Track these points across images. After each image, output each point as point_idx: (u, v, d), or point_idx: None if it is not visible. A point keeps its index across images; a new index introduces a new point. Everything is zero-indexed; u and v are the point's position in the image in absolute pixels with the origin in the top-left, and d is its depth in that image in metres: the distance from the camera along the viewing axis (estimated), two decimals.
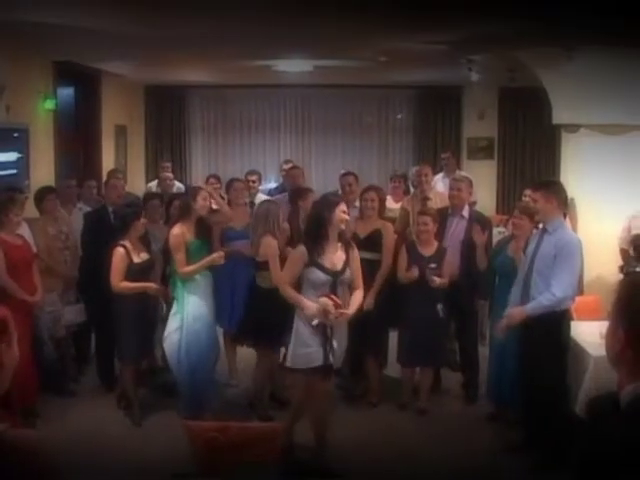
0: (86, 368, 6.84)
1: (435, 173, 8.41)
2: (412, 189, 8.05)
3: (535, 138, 11.49)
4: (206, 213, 5.77)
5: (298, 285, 4.75)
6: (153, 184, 9.89)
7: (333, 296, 4.64)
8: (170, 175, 9.45)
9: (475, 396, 6.21)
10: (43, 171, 8.18)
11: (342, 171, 7.78)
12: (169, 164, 10.23)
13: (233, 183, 6.84)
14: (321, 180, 11.67)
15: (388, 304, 5.89)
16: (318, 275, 4.67)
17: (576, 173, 7.28)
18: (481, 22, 6.07)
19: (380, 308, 5.81)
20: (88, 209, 7.03)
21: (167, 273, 5.92)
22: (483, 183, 10.50)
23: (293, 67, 9.29)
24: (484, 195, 10.25)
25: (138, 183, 11.44)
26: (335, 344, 4.79)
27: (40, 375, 5.73)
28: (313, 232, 4.76)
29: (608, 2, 5.08)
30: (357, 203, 6.23)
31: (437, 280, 5.78)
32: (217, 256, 5.57)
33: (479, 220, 6.21)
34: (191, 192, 6.02)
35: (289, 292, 4.73)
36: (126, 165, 11.33)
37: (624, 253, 7.02)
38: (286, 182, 7.94)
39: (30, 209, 6.47)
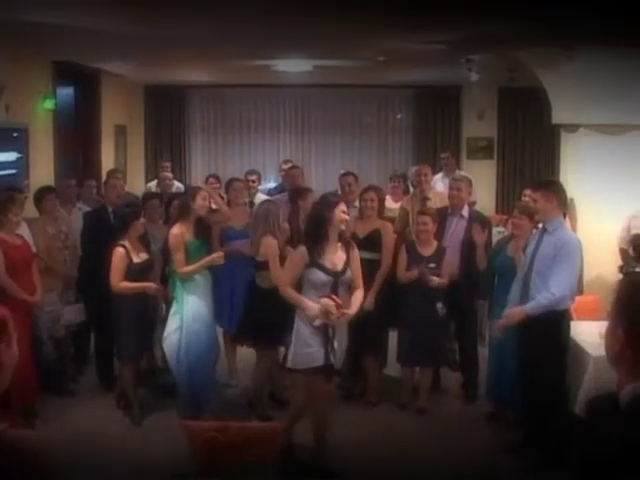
0: (85, 368, 6.84)
1: (434, 173, 8.41)
2: (411, 189, 8.04)
3: (535, 138, 11.49)
4: (205, 213, 5.77)
5: (299, 286, 4.75)
6: (152, 184, 9.90)
7: (334, 296, 4.63)
8: (169, 175, 9.46)
9: (475, 396, 6.21)
10: (42, 171, 8.18)
11: (341, 171, 7.78)
12: (168, 164, 10.23)
13: (232, 183, 6.84)
14: (320, 180, 11.67)
15: (388, 304, 5.89)
16: (319, 276, 4.66)
17: (576, 173, 7.28)
18: (481, 22, 6.07)
19: (380, 308, 5.81)
20: (88, 209, 7.03)
21: (166, 273, 5.92)
22: (482, 183, 10.50)
23: (293, 67, 9.29)
24: (484, 195, 10.25)
25: (137, 183, 11.45)
26: (336, 344, 4.79)
27: (39, 375, 5.72)
28: (313, 232, 4.75)
29: (608, 2, 5.09)
30: (356, 203, 6.23)
31: (436, 280, 5.78)
32: (217, 256, 5.57)
33: (479, 220, 6.21)
34: (190, 192, 6.02)
35: (290, 293, 4.72)
36: (126, 165, 11.33)
37: (624, 253, 7.02)
38: (285, 182, 7.94)
39: (29, 209, 6.46)
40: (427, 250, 5.94)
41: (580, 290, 6.07)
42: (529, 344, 4.86)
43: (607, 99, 7.05)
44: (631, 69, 6.93)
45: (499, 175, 12.00)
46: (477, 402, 6.14)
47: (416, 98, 12.20)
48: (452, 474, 4.94)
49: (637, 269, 6.46)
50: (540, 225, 5.19)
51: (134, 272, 5.56)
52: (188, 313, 5.52)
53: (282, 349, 5.55)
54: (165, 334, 5.62)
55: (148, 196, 7.19)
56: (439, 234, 6.09)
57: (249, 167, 9.36)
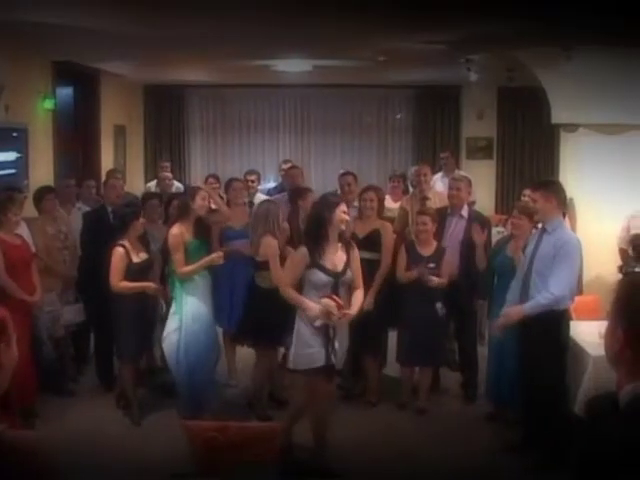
0: (85, 368, 6.84)
1: (434, 173, 8.41)
2: (411, 189, 8.04)
3: (534, 138, 11.49)
4: (205, 213, 5.77)
5: (299, 286, 4.75)
6: (152, 184, 9.89)
7: (335, 297, 4.63)
8: (169, 175, 9.45)
9: (474, 396, 6.21)
10: (42, 171, 8.18)
11: (341, 171, 7.77)
12: (168, 164, 10.22)
13: (232, 183, 6.84)
14: (320, 180, 11.67)
15: (387, 304, 5.89)
16: (320, 276, 4.66)
17: (575, 173, 7.28)
18: (480, 22, 6.07)
19: (379, 308, 5.81)
20: (87, 209, 7.03)
21: (166, 273, 5.92)
22: (482, 183, 10.51)
23: (292, 67, 9.29)
24: (483, 195, 10.26)
25: (137, 183, 11.45)
26: (337, 345, 4.79)
27: (39, 375, 5.72)
28: (313, 233, 4.74)
29: (607, 2, 5.09)
30: (356, 203, 6.23)
31: (435, 280, 5.78)
32: (216, 256, 5.57)
33: (478, 220, 6.21)
34: (190, 192, 6.02)
35: (291, 294, 4.72)
36: (125, 165, 11.33)
37: (623, 253, 7.02)
38: (285, 182, 7.94)
39: (29, 209, 6.46)
40: (427, 250, 5.94)
41: (580, 290, 6.08)
42: (529, 344, 4.86)
43: (606, 99, 7.05)
44: (630, 69, 6.93)
45: (498, 175, 12.00)
46: (477, 402, 6.14)
47: (416, 98, 12.20)
48: (452, 474, 4.94)
49: (637, 269, 6.46)
50: (539, 225, 5.19)
51: (134, 272, 5.56)
52: (187, 313, 5.52)
53: (281, 349, 5.55)
54: (164, 334, 5.62)
55: (147, 196, 7.19)
56: (438, 234, 6.09)
57: (249, 167, 9.36)
